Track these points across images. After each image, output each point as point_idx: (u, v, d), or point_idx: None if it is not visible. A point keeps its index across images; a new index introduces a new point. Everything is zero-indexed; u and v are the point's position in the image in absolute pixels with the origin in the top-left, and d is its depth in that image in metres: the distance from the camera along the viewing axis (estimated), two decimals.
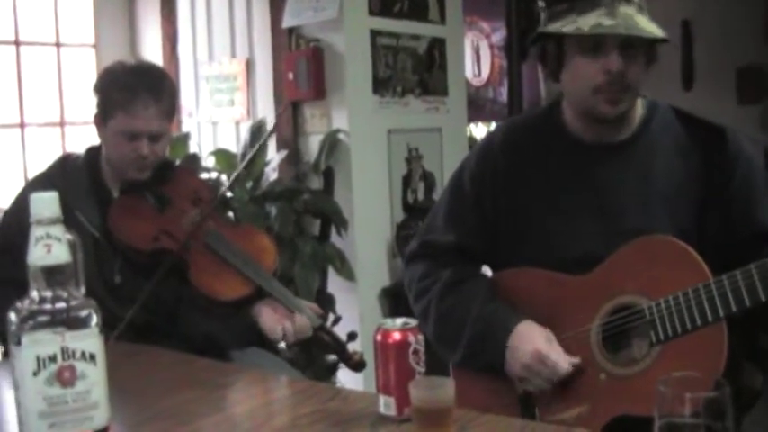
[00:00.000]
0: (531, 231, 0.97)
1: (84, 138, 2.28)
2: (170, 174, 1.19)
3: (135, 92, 1.08)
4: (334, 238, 2.16)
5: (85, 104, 1.86)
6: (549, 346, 0.93)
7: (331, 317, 1.75)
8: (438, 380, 0.70)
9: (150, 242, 1.10)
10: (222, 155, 2.19)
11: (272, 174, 2.16)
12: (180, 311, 1.08)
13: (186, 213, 1.14)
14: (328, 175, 2.18)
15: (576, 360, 0.92)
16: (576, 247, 0.93)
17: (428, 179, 2.39)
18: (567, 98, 1.00)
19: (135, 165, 1.12)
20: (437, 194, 2.36)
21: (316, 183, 2.22)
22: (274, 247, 1.17)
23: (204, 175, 2.02)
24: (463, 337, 0.97)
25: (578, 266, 0.93)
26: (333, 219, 2.10)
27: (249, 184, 2.11)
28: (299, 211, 2.12)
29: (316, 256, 2.06)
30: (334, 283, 2.15)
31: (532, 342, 0.93)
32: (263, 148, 2.11)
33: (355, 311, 2.18)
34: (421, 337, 0.76)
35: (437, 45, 2.34)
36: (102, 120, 1.13)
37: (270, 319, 1.09)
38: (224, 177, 2.09)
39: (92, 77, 1.19)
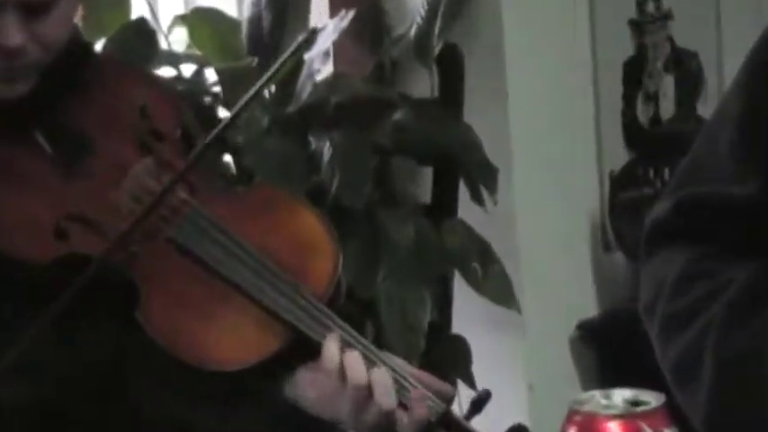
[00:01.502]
0: None
1: None
2: (85, 78, 1.15)
3: None
4: (466, 211, 2.07)
5: None
6: None
7: (466, 392, 1.66)
8: None
9: (48, 243, 1.05)
10: (206, 23, 2.02)
11: (319, 67, 2.02)
12: (125, 384, 1.08)
13: (126, 173, 1.10)
14: (450, 68, 2.10)
15: None
16: None
17: (684, 69, 2.48)
18: None
19: None
20: (707, 104, 2.44)
21: (422, 85, 2.13)
22: (331, 239, 1.11)
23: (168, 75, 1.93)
24: None
25: None
26: (464, 169, 2.02)
27: (270, 93, 2.00)
28: (384, 150, 1.99)
29: (425, 254, 1.95)
30: (469, 315, 2.10)
31: None
32: (299, 9, 2.00)
33: (518, 375, 2.17)
34: None
35: None
36: None
37: (331, 402, 1.05)
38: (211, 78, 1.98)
39: None
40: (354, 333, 1.06)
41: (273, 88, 2.05)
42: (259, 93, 1.29)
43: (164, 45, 2.04)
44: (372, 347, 1.08)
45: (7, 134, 1.09)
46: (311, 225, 1.14)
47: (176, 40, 2.11)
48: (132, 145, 1.12)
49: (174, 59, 2.02)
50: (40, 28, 1.07)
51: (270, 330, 1.06)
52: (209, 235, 1.09)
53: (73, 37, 1.13)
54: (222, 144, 1.83)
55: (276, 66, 1.18)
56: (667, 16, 2.40)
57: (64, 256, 1.05)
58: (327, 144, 1.94)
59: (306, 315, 1.05)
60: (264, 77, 1.14)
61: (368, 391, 1.04)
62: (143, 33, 1.96)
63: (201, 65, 2.05)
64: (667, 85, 2.46)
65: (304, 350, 1.06)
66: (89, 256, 1.03)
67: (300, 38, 1.33)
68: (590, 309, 2.33)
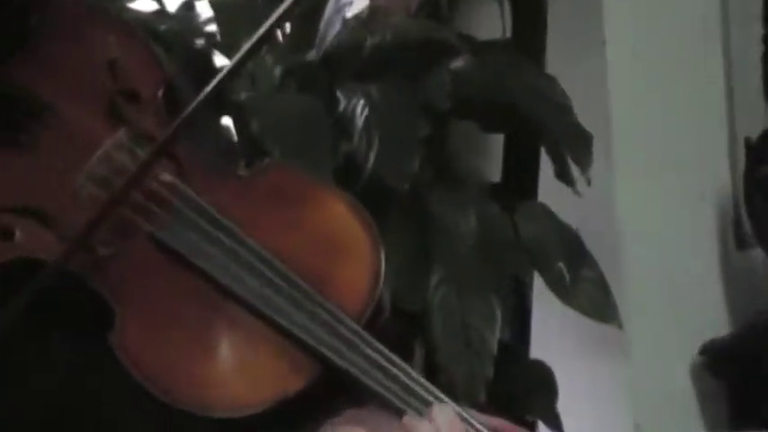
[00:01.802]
0: None
1: None
2: (33, 23, 1.11)
3: None
4: (548, 194, 2.03)
5: None
6: None
7: None
8: None
9: None
10: None
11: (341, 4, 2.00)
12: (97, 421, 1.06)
13: (90, 149, 1.06)
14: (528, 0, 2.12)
15: None
16: None
17: None
18: None
19: None
20: None
21: (489, 23, 2.09)
22: (369, 237, 1.06)
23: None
24: None
25: None
26: (546, 137, 1.94)
27: (284, 34, 1.98)
28: (439, 110, 1.87)
29: (494, 250, 1.89)
30: (553, 333, 2.08)
31: None
32: None
33: (620, 414, 2.14)
34: None
35: None
36: None
37: None
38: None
39: None
40: (399, 362, 0.98)
41: (289, 27, 1.98)
42: (269, 34, 1.21)
43: None
44: (425, 387, 1.00)
45: None
46: (342, 219, 1.07)
47: None
48: (99, 111, 1.08)
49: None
50: None
51: (290, 362, 1.00)
52: (203, 231, 1.03)
53: None
54: (219, 104, 1.75)
55: None
56: None
57: (10, 262, 1.00)
58: (361, 102, 1.84)
59: (334, 336, 1.00)
60: (277, 12, 1.05)
61: None
62: None
63: None
64: None
65: (335, 387, 1.00)
66: (40, 260, 1.00)
67: None
68: (718, 326, 2.26)
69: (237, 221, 1.03)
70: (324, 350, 0.98)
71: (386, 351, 0.99)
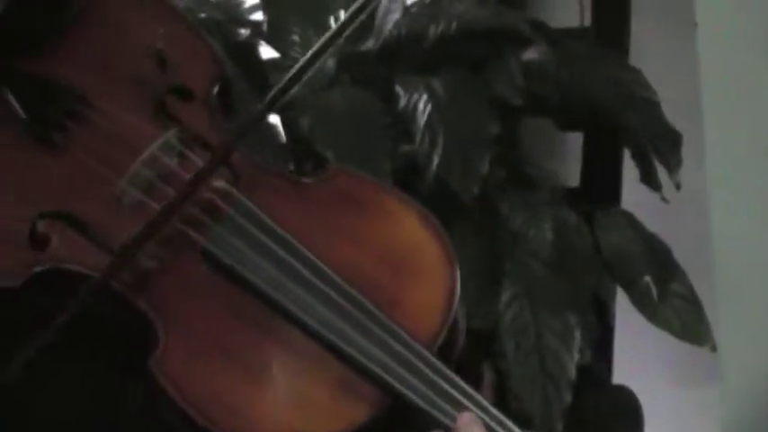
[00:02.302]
0: None
1: None
2: (74, 7, 1.13)
3: None
4: (632, 199, 1.99)
5: None
6: None
7: None
8: None
9: (20, 253, 1.02)
10: None
11: None
12: None
13: (135, 149, 1.06)
14: None
15: None
16: None
17: None
18: None
19: None
20: None
21: (567, 10, 2.08)
22: (444, 255, 1.04)
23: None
24: None
25: None
26: (630, 136, 1.87)
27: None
28: (510, 106, 1.81)
29: (571, 262, 1.83)
30: (638, 355, 2.04)
31: None
32: None
33: None
34: None
35: None
36: None
37: None
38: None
39: None
40: (479, 398, 0.97)
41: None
42: (344, 30, 1.15)
43: None
44: (506, 420, 1.00)
45: None
46: (413, 232, 1.06)
47: None
48: (144, 109, 1.08)
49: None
50: None
51: (352, 392, 0.99)
52: (258, 244, 1.02)
53: None
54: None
55: None
56: None
57: (43, 273, 1.00)
58: (423, 98, 1.76)
59: (405, 368, 0.98)
60: (355, 6, 1.07)
61: None
62: None
63: None
64: None
65: (400, 422, 1.00)
66: (81, 273, 1.00)
67: None
68: None
69: (295, 233, 1.00)
70: (391, 380, 0.95)
71: (461, 383, 0.95)
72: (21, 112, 1.05)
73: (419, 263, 1.05)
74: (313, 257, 1.00)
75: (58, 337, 0.95)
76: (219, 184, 1.02)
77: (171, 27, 1.14)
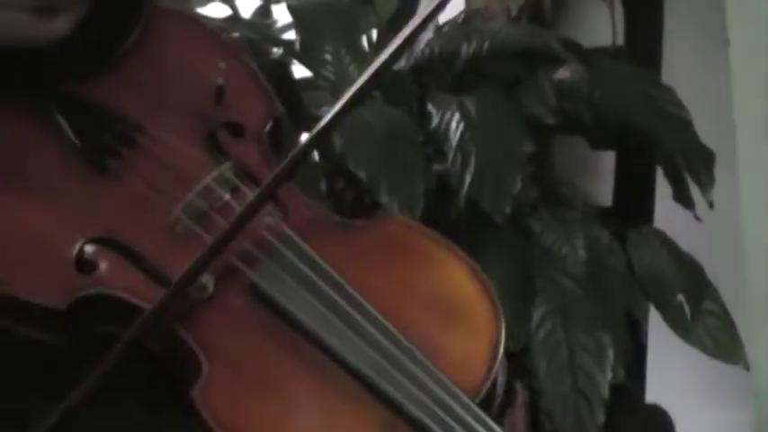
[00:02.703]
0: None
1: None
2: (135, 32, 1.12)
3: None
4: (664, 219, 2.01)
5: None
6: None
7: None
8: None
9: (65, 276, 0.98)
10: None
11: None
12: None
13: (187, 179, 1.04)
14: (642, 2, 2.13)
15: None
16: None
17: None
18: None
19: None
20: None
21: (599, 28, 2.09)
22: (492, 308, 1.00)
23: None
24: None
25: None
26: (663, 155, 1.87)
27: (369, 41, 2.02)
28: (543, 125, 1.85)
29: (605, 281, 1.86)
30: (671, 374, 2.05)
31: None
32: None
33: None
34: None
35: None
36: None
37: None
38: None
39: None
40: None
41: (375, 33, 1.97)
42: (399, 55, 1.08)
43: None
44: None
45: (21, 112, 1.04)
46: (462, 284, 1.00)
47: None
48: (198, 141, 1.06)
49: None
50: None
51: None
52: (308, 281, 0.99)
53: None
54: (297, 119, 1.75)
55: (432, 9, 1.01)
56: None
57: (87, 298, 0.98)
58: (456, 117, 1.78)
59: (449, 415, 0.93)
60: (415, 24, 0.98)
61: None
62: None
63: (268, 0, 2.05)
64: None
65: None
66: (128, 301, 0.98)
67: None
68: None
69: (342, 273, 0.98)
70: (433, 425, 0.91)
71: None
72: (74, 138, 1.04)
73: (467, 314, 0.99)
74: (359, 297, 0.97)
75: (116, 368, 0.94)
76: (269, 220, 1.00)
77: (232, 64, 1.11)
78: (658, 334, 1.89)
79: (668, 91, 1.83)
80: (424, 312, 0.98)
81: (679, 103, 1.80)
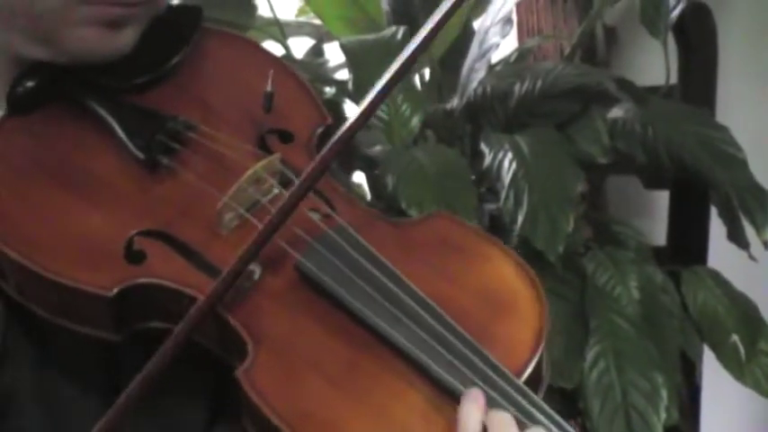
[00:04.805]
0: None
1: None
2: (193, 41, 1.16)
3: None
4: (719, 258, 1.98)
5: None
6: None
7: None
8: None
9: (116, 266, 1.01)
10: None
11: (497, 41, 1.99)
12: None
13: (234, 175, 1.06)
14: (696, 42, 2.09)
15: None
16: None
17: None
18: None
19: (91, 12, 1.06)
20: None
21: (652, 67, 2.04)
22: (536, 297, 1.02)
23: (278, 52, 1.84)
24: None
25: None
26: (718, 194, 1.86)
27: (423, 81, 2.06)
28: (596, 164, 1.86)
29: (659, 321, 1.84)
30: (727, 416, 2.09)
31: None
32: None
33: None
34: None
35: None
36: None
37: None
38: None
39: None
40: (567, 427, 0.91)
41: (428, 73, 1.96)
42: (408, 67, 1.06)
43: (265, 10, 2.01)
44: None
45: (74, 115, 1.06)
46: (509, 276, 1.03)
47: (284, 2, 2.14)
48: (248, 139, 1.08)
49: (279, 31, 2.01)
50: None
51: (441, 414, 0.95)
52: (357, 266, 1.00)
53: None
54: (349, 159, 1.82)
55: (436, 23, 0.98)
56: None
57: (135, 287, 1.00)
58: (509, 155, 1.78)
59: (495, 392, 0.94)
60: (425, 33, 0.96)
61: None
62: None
63: (320, 39, 2.08)
64: None
65: None
66: (171, 288, 0.99)
67: None
68: None
69: (394, 263, 0.98)
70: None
71: (547, 408, 0.90)
72: (126, 137, 1.06)
73: (513, 301, 1.00)
74: (407, 281, 0.98)
75: (175, 357, 0.93)
76: (318, 212, 1.01)
77: (280, 73, 1.09)
78: (713, 374, 1.86)
79: (723, 130, 1.82)
80: (472, 299, 0.99)
81: (734, 143, 1.80)
